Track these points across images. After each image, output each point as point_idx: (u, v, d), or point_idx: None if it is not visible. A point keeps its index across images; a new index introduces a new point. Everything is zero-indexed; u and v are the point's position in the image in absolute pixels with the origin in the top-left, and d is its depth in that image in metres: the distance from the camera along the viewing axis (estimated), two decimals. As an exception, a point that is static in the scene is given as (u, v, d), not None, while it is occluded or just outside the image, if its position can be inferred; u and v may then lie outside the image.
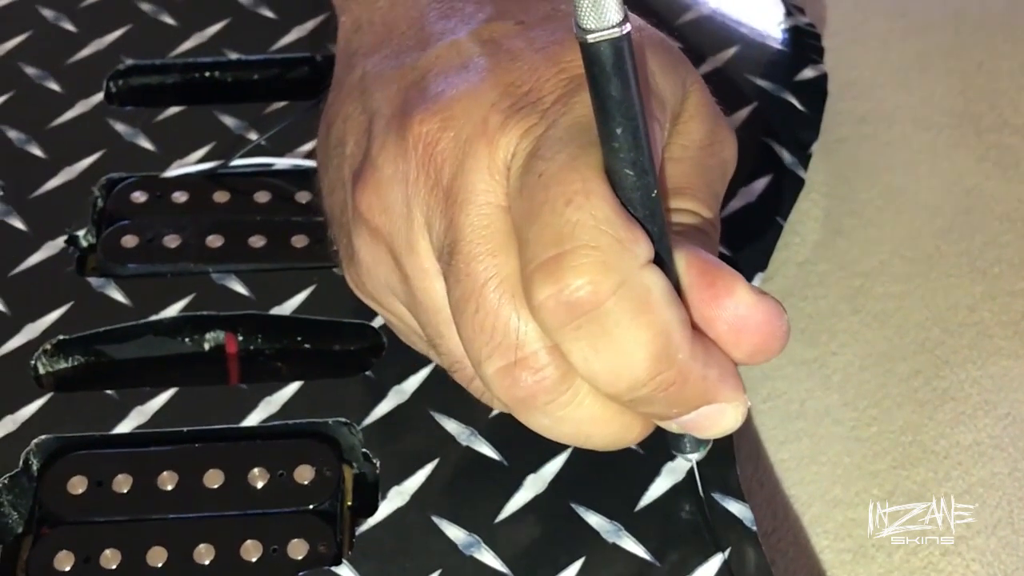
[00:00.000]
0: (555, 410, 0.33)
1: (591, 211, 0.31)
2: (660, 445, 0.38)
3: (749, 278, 0.35)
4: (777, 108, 0.48)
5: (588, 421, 0.34)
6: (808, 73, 0.49)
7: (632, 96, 0.30)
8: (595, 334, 0.31)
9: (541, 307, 0.31)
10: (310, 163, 0.46)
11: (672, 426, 0.35)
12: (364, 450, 0.39)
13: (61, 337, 0.41)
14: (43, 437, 0.39)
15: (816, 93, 0.49)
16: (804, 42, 0.51)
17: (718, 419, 0.34)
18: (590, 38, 0.30)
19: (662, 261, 0.32)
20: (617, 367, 0.32)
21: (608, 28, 0.29)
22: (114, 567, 0.36)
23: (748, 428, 0.43)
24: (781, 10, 0.52)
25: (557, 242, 0.31)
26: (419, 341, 0.38)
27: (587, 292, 0.31)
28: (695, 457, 0.37)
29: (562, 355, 0.32)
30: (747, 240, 0.44)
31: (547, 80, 0.34)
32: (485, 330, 0.33)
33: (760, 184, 0.45)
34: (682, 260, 0.33)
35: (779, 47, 0.50)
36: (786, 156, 0.46)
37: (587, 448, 0.35)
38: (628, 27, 0.30)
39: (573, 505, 0.37)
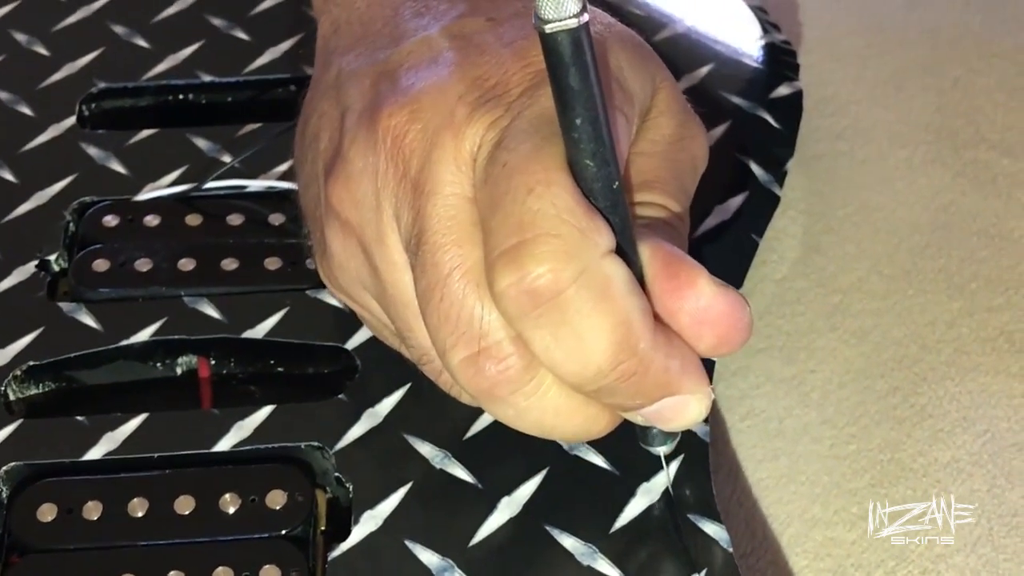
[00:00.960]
0: (519, 400, 0.33)
1: (552, 200, 0.31)
2: (635, 466, 0.38)
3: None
4: (752, 125, 0.48)
5: (552, 412, 0.34)
6: (783, 90, 0.49)
7: (591, 87, 0.30)
8: (556, 322, 0.31)
9: (503, 295, 0.32)
10: (284, 185, 0.46)
11: (637, 418, 0.35)
12: (337, 474, 0.38)
13: (32, 363, 0.41)
14: (12, 464, 0.38)
15: (791, 110, 0.49)
16: (780, 59, 0.51)
17: (682, 411, 0.34)
18: (548, 28, 0.30)
19: (625, 252, 0.32)
20: (578, 356, 0.32)
21: (566, 19, 0.29)
22: (84, 595, 0.36)
23: (726, 447, 0.43)
24: (757, 28, 0.52)
25: (519, 231, 0.31)
26: (389, 335, 0.38)
27: (547, 280, 0.31)
28: (663, 450, 0.37)
29: (526, 345, 0.33)
30: (723, 258, 0.43)
31: (514, 74, 0.34)
32: (450, 320, 0.33)
33: (735, 201, 0.45)
34: (646, 251, 0.33)
35: (755, 64, 0.50)
36: (761, 173, 0.46)
37: (554, 439, 0.35)
38: (586, 17, 0.30)
39: (548, 527, 0.37)
